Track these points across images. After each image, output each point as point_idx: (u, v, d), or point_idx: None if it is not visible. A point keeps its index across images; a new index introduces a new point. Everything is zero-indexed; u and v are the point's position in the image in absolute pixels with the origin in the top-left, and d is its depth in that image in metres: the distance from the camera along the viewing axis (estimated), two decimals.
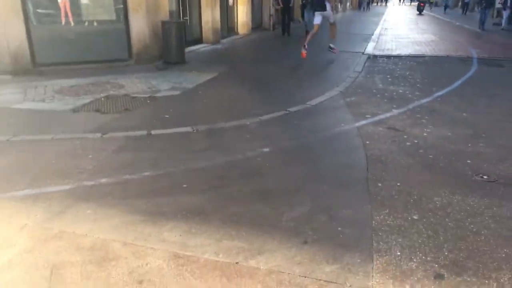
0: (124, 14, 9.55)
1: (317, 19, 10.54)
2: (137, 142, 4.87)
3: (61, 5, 9.85)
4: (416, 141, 4.91)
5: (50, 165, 4.17)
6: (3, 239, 2.87)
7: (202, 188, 3.70)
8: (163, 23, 9.70)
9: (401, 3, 70.94)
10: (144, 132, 5.12)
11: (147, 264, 2.61)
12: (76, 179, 3.83)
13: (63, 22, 9.80)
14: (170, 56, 9.70)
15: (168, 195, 3.56)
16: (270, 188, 3.73)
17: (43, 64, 8.76)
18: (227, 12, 15.00)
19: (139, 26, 9.49)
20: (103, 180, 3.83)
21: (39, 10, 9.35)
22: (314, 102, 6.58)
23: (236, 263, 2.63)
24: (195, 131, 5.22)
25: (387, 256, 2.71)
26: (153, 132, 5.15)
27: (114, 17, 10.15)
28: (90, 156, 4.44)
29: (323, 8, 10.40)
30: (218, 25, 13.28)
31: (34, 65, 8.66)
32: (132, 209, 3.29)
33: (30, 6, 8.74)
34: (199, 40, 12.75)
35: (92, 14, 10.16)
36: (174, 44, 9.63)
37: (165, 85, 7.67)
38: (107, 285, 2.42)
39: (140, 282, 2.45)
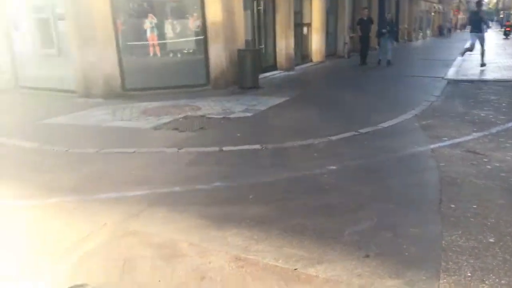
0: (204, 44, 10.23)
1: (473, 39, 12.53)
2: (209, 157, 5.14)
3: (149, 38, 10.87)
4: (497, 164, 4.58)
5: (130, 174, 4.56)
6: (86, 234, 3.19)
7: (267, 200, 3.79)
8: (239, 51, 10.21)
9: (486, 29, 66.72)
10: (216, 148, 5.38)
11: (209, 263, 2.74)
12: (151, 186, 4.14)
13: (150, 53, 10.76)
14: (245, 81, 10.13)
15: (234, 205, 3.70)
16: (335, 203, 3.71)
17: (131, 89, 9.63)
18: (301, 40, 15.34)
19: (217, 54, 10.09)
20: (176, 189, 4.09)
21: (129, 43, 10.36)
22: (386, 124, 6.43)
23: (295, 269, 2.65)
24: (264, 148, 5.37)
25: (455, 276, 2.56)
26: (224, 148, 5.39)
27: (195, 47, 10.90)
28: (166, 167, 4.78)
29: (479, 30, 12.21)
30: (292, 52, 13.61)
31: (123, 90, 9.56)
32: (200, 215, 3.47)
33: (121, 39, 9.74)
34: (273, 67, 13.15)
35: (176, 45, 11.01)
36: (249, 70, 10.07)
37: (239, 107, 8.01)
38: (172, 278, 2.58)
39: (202, 278, 2.57)
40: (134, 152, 5.37)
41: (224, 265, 2.71)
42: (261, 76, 11.11)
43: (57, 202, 3.81)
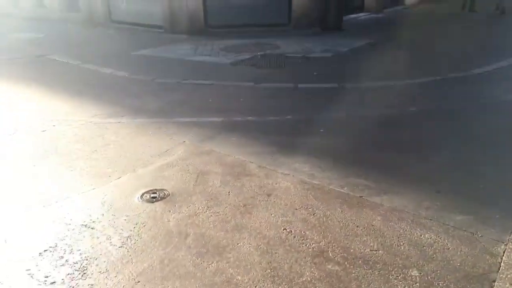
0: None
1: None
2: (284, 92, 5.16)
3: None
4: None
5: (208, 103, 4.77)
6: (166, 149, 3.46)
7: (337, 134, 3.77)
8: None
9: None
10: (291, 85, 5.37)
11: (276, 183, 2.85)
12: (227, 114, 4.30)
13: None
14: (327, 22, 9.73)
15: (305, 136, 3.73)
16: (407, 139, 3.59)
17: (214, 26, 9.77)
18: None
19: None
20: (249, 118, 4.21)
21: None
22: (479, 70, 5.87)
23: (360, 197, 2.66)
24: (340, 87, 5.25)
25: None
26: (299, 85, 5.36)
27: None
28: (241, 99, 4.91)
29: None
30: None
31: (206, 27, 9.73)
32: (270, 142, 3.57)
33: None
34: (360, 8, 12.42)
35: None
36: (332, 10, 9.62)
37: (319, 48, 7.78)
38: (240, 192, 2.74)
39: (269, 195, 2.70)
40: (212, 84, 5.55)
41: (290, 187, 2.80)
42: (346, 17, 10.56)
43: (142, 122, 4.15)
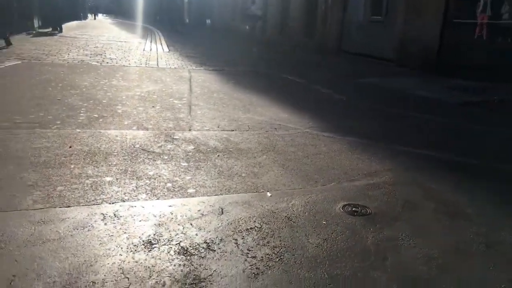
0: None
1: None
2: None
3: (479, 17, 9.85)
4: None
5: (422, 135, 4.46)
6: (373, 170, 3.37)
7: None
8: None
9: None
10: None
11: (501, 237, 2.41)
12: (443, 152, 3.91)
13: (476, 33, 9.79)
14: None
15: None
16: None
17: (448, 64, 9.09)
18: None
19: None
20: (473, 161, 3.72)
21: (456, 20, 9.69)
22: None
23: None
24: None
25: None
26: None
27: None
28: (463, 140, 4.41)
29: None
30: None
31: (439, 64, 9.13)
32: (497, 192, 3.06)
33: (449, 15, 9.21)
34: None
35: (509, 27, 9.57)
36: None
37: None
38: (452, 232, 2.42)
39: (488, 247, 2.29)
40: (431, 120, 5.18)
41: None
42: None
43: (354, 141, 4.17)
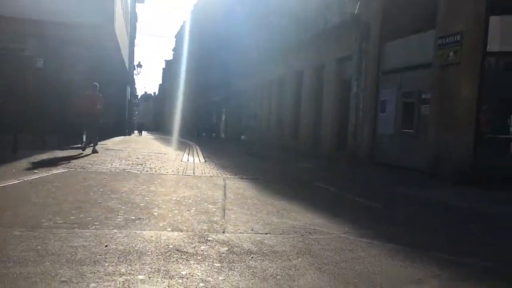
0: None
1: None
2: None
3: None
4: None
5: (464, 246, 4.19)
6: (417, 277, 3.14)
7: None
8: None
9: None
10: None
11: None
12: (486, 261, 3.64)
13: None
14: None
15: None
16: None
17: (484, 177, 8.92)
18: None
19: None
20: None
21: (488, 135, 9.76)
22: None
23: None
24: None
25: None
26: None
27: None
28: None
29: None
30: None
31: (475, 178, 8.97)
32: None
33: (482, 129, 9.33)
34: None
35: None
36: None
37: None
38: None
39: None
40: (467, 228, 4.92)
41: None
42: None
43: (394, 248, 3.97)
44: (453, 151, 9.20)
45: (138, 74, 44.37)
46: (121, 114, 30.41)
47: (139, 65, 42.56)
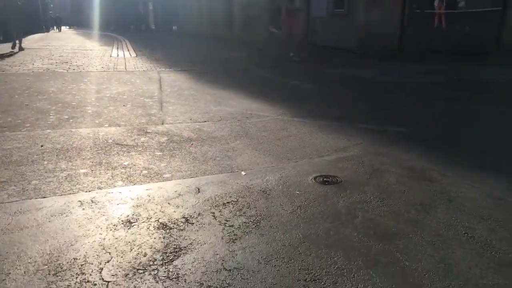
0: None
1: None
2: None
3: (437, 7, 10.29)
4: None
5: (388, 114, 4.64)
6: (342, 146, 3.51)
7: None
8: None
9: None
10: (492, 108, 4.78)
11: (461, 192, 2.57)
12: (408, 126, 4.10)
13: (435, 23, 10.25)
14: None
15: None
16: None
17: (407, 52, 9.49)
18: None
19: None
20: (432, 130, 3.92)
21: (416, 11, 10.10)
22: None
23: None
24: None
25: None
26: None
27: (486, 17, 9.66)
28: (421, 115, 4.62)
29: None
30: None
31: (400, 53, 9.53)
32: (455, 154, 3.25)
33: (408, 6, 9.58)
34: None
35: (464, 15, 10.04)
36: None
37: None
38: (417, 192, 2.57)
39: (450, 200, 2.45)
40: (394, 100, 5.39)
41: (477, 197, 2.49)
42: None
43: (324, 123, 4.31)
44: (380, 28, 9.49)
45: None
46: (33, 8, 27.01)
47: None
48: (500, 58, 8.55)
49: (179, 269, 1.80)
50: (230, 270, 1.79)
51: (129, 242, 2.00)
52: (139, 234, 2.07)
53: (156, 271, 1.78)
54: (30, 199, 2.46)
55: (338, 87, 6.63)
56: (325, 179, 2.79)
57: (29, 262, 1.83)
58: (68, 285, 1.69)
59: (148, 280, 1.72)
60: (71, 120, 4.32)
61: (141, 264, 1.83)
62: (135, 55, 11.75)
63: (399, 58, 9.17)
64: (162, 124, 4.27)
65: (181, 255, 1.89)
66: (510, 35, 8.78)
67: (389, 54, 9.34)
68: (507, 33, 8.84)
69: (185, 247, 1.96)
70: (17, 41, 11.48)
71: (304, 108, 5.06)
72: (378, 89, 6.40)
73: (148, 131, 3.99)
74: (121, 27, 32.03)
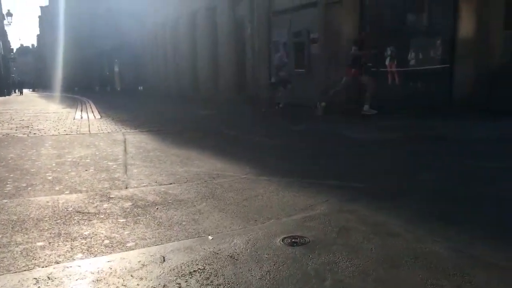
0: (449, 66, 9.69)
1: None
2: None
3: (388, 66, 11.05)
4: None
5: (350, 169, 4.77)
6: (309, 204, 3.53)
7: None
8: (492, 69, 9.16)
9: None
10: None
11: (426, 248, 2.61)
12: (369, 183, 4.21)
13: (389, 79, 10.96)
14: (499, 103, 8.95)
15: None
16: None
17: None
18: None
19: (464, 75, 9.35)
20: (404, 185, 4.04)
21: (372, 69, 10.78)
22: None
23: None
24: None
25: None
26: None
27: (437, 71, 10.42)
28: (385, 168, 4.77)
29: None
30: None
31: (360, 109, 9.97)
32: (425, 213, 3.33)
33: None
34: None
35: (416, 72, 10.79)
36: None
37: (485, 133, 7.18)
38: (384, 249, 2.58)
39: (417, 257, 2.48)
40: (354, 153, 5.57)
41: (441, 252, 2.53)
42: None
43: (290, 181, 4.35)
44: (333, 87, 9.96)
45: (10, 24, 38.93)
46: None
47: (9, 14, 37.27)
48: (452, 111, 9.12)
49: None
50: None
51: None
52: None
53: None
54: None
55: (303, 143, 6.78)
56: (293, 240, 2.77)
57: None
58: None
59: None
60: (29, 188, 4.15)
61: None
62: (99, 116, 11.68)
63: (360, 115, 9.58)
64: (126, 188, 4.17)
65: None
66: (459, 89, 9.43)
67: (350, 110, 9.76)
68: (455, 88, 9.49)
69: None
70: None
71: (270, 166, 5.10)
72: (341, 144, 6.60)
73: (111, 196, 3.88)
74: (86, 88, 32.08)
